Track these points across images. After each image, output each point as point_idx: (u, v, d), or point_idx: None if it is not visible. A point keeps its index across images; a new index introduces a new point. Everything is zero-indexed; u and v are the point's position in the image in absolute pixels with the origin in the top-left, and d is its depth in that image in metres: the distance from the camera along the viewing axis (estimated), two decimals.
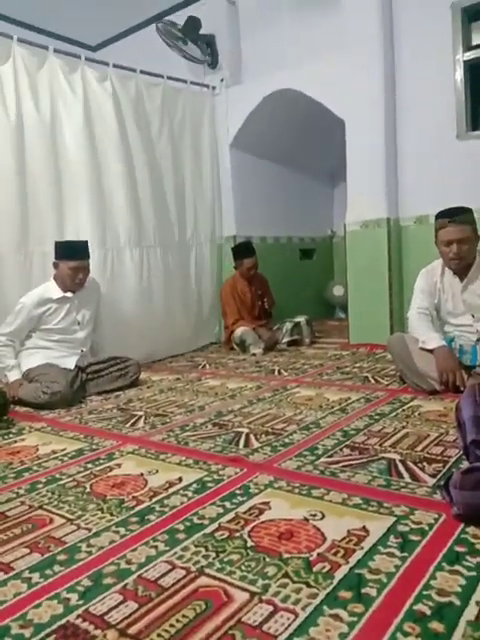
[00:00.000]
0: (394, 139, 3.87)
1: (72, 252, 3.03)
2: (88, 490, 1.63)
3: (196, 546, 1.24)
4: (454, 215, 2.55)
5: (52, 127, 3.48)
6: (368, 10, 3.73)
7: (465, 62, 3.59)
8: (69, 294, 3.05)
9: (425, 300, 2.76)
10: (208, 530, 1.32)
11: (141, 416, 2.48)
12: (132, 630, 0.96)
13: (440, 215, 2.62)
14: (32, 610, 1.03)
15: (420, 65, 3.72)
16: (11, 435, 2.30)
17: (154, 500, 1.52)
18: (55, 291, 3.03)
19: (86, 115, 3.62)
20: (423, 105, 3.73)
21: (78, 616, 1.01)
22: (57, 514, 1.47)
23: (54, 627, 0.98)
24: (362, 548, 1.18)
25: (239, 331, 4.14)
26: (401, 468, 1.64)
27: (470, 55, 3.59)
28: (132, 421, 2.41)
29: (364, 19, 3.76)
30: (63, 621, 1.00)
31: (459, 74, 3.60)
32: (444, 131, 3.66)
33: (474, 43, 3.61)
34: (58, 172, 3.50)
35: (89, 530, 1.36)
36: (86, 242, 3.15)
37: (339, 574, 1.09)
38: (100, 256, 3.62)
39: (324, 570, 1.11)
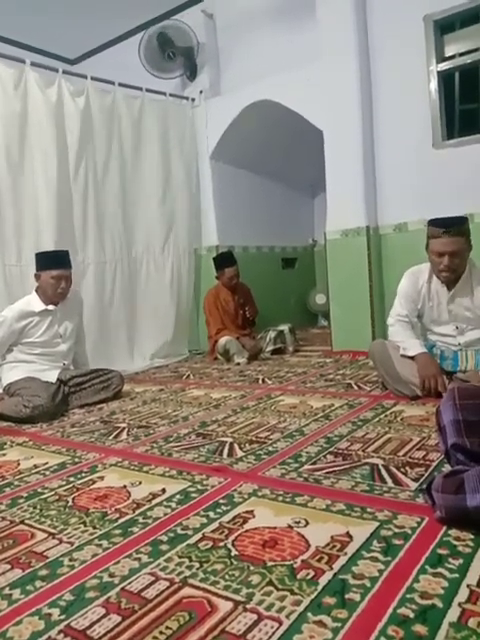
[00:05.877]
0: (372, 148, 3.93)
1: (53, 261, 3.01)
2: (70, 504, 1.61)
3: (180, 557, 1.23)
4: (449, 225, 2.42)
5: (21, 141, 3.46)
6: (343, 22, 3.80)
7: (439, 73, 3.67)
8: (51, 307, 3.02)
9: (406, 306, 2.69)
10: (192, 540, 1.31)
11: (124, 428, 2.47)
12: None
13: (434, 223, 2.49)
14: (12, 628, 1.01)
15: (395, 76, 3.79)
16: None
17: (137, 512, 1.51)
18: (37, 304, 3.00)
19: (59, 128, 3.61)
20: (399, 115, 3.80)
21: (60, 631, 0.99)
22: (39, 529, 1.45)
23: None
24: (346, 554, 1.19)
25: (223, 341, 4.14)
26: (384, 473, 1.65)
27: (443, 66, 3.67)
28: (115, 433, 2.39)
29: (339, 31, 3.82)
30: (44, 637, 0.98)
31: (433, 84, 3.67)
32: (420, 140, 3.72)
33: (447, 54, 3.70)
34: (25, 187, 3.48)
35: (71, 544, 1.34)
36: (67, 251, 3.14)
37: (323, 580, 1.09)
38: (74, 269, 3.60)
39: (308, 577, 1.11)
